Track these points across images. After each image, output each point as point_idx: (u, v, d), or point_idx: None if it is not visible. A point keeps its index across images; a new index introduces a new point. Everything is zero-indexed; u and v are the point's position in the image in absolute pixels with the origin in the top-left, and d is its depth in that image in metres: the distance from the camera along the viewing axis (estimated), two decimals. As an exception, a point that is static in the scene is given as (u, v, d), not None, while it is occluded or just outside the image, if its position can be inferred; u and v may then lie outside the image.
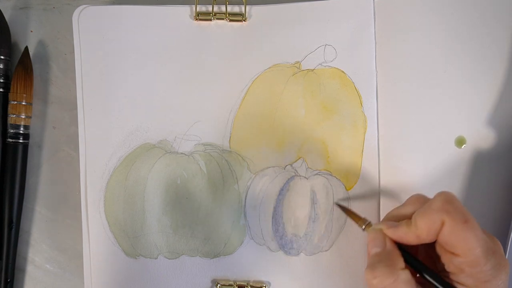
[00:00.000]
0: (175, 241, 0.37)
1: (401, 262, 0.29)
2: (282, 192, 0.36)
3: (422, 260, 0.30)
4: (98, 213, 0.37)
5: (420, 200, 0.31)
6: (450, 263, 0.28)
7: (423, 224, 0.28)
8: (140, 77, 0.37)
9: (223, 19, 0.37)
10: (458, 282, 0.28)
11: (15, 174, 0.38)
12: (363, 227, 0.32)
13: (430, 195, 0.30)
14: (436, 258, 0.29)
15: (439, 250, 0.29)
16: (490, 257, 0.27)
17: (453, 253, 0.27)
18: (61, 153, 0.40)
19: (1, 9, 0.39)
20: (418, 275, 0.30)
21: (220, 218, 0.37)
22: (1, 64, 0.38)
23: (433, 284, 0.28)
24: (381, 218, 0.36)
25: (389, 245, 0.30)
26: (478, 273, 0.27)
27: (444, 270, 0.29)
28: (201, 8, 0.37)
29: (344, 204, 0.36)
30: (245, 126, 0.37)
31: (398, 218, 0.31)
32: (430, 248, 0.30)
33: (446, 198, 0.28)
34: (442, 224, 0.27)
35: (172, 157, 0.37)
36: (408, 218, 0.30)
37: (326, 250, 0.36)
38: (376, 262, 0.29)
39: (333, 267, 0.36)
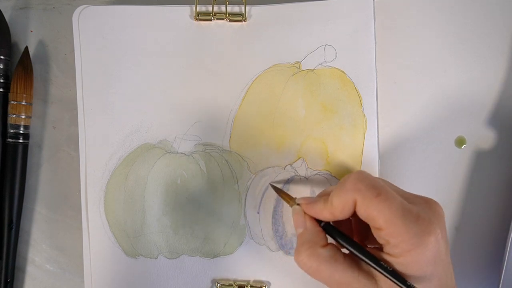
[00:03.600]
0: (175, 241, 0.37)
1: (322, 240, 0.29)
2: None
3: (369, 237, 0.31)
4: (98, 213, 0.37)
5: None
6: (378, 237, 0.28)
7: (337, 202, 0.29)
8: (140, 77, 0.37)
9: (223, 19, 0.37)
10: (387, 254, 0.28)
11: (15, 174, 0.38)
12: (292, 207, 0.32)
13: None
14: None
15: (370, 226, 0.29)
16: (411, 226, 0.27)
17: (376, 228, 0.28)
18: (61, 153, 0.40)
19: (1, 9, 0.39)
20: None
21: (220, 218, 0.37)
22: (1, 64, 0.38)
23: (354, 254, 0.29)
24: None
25: (309, 223, 0.30)
26: (400, 242, 0.27)
27: (377, 244, 0.29)
28: (201, 8, 0.37)
29: (277, 186, 0.36)
30: (245, 126, 0.37)
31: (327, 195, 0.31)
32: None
33: (357, 177, 0.29)
34: (355, 202, 0.28)
35: (172, 157, 0.37)
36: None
37: (326, 250, 0.36)
38: (300, 244, 0.30)
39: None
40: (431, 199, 0.30)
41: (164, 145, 0.37)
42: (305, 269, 0.29)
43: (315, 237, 0.30)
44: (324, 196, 0.31)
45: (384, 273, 0.27)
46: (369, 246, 0.31)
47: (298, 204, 0.32)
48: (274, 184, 0.36)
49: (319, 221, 0.31)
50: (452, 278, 0.29)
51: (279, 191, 0.35)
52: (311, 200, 0.31)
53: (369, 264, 0.28)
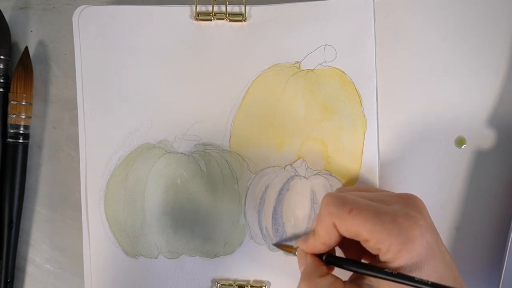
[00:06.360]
0: (175, 240, 0.37)
1: (320, 271, 0.30)
2: (282, 192, 0.36)
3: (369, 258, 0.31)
4: (98, 213, 0.37)
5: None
6: (370, 249, 0.28)
7: (321, 231, 0.30)
8: (140, 77, 0.37)
9: (223, 19, 0.37)
10: (385, 262, 0.28)
11: (15, 174, 0.38)
12: (296, 254, 0.33)
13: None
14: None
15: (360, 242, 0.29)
16: (391, 227, 0.27)
17: (364, 241, 0.28)
18: (61, 153, 0.40)
19: (1, 9, 0.39)
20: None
21: (220, 218, 0.37)
22: (1, 64, 0.38)
23: (359, 272, 0.29)
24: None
25: (309, 259, 0.31)
26: (389, 246, 0.27)
27: (376, 259, 0.29)
28: (201, 8, 0.37)
29: (278, 243, 0.37)
30: (245, 126, 0.37)
31: None
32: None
33: (326, 201, 0.29)
34: (335, 225, 0.28)
35: (172, 157, 0.37)
36: None
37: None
38: (300, 280, 0.30)
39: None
40: (408, 194, 0.30)
41: (164, 145, 0.37)
42: None
43: (313, 270, 0.30)
44: (313, 229, 0.31)
45: (390, 278, 0.27)
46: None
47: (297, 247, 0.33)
48: (274, 243, 0.37)
49: (321, 256, 0.31)
50: (452, 269, 0.28)
51: (282, 246, 0.36)
52: (305, 239, 0.32)
53: (377, 276, 0.28)
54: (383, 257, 0.27)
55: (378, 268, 0.28)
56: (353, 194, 0.31)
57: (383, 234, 0.27)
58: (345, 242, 0.31)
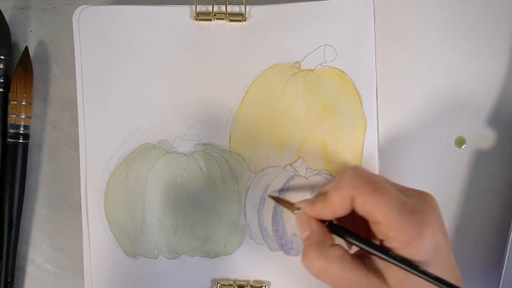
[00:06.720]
0: (175, 241, 0.37)
1: (329, 240, 0.29)
2: (282, 192, 0.36)
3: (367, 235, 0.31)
4: (98, 213, 0.37)
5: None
6: (377, 232, 0.28)
7: (336, 200, 0.29)
8: (140, 77, 0.37)
9: (223, 19, 0.37)
10: (388, 247, 0.27)
11: (15, 174, 0.38)
12: (295, 212, 0.32)
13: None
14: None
15: (369, 222, 0.29)
16: (408, 218, 0.26)
17: (375, 222, 0.28)
18: (61, 153, 0.40)
19: (1, 9, 0.39)
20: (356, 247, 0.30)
21: (220, 218, 0.37)
22: (1, 64, 0.38)
23: (365, 250, 0.28)
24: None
25: (315, 225, 0.30)
26: (399, 236, 0.26)
27: (378, 239, 0.29)
28: (201, 8, 0.37)
29: (275, 195, 0.36)
30: (245, 126, 0.37)
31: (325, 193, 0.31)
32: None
33: (352, 173, 0.28)
34: (353, 198, 0.28)
35: (172, 157, 0.37)
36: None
37: (326, 250, 0.36)
38: (307, 246, 0.29)
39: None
40: (424, 192, 0.30)
41: (164, 145, 0.37)
42: (313, 271, 0.29)
43: (322, 238, 0.29)
44: (322, 195, 0.31)
45: (396, 262, 0.27)
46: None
47: (299, 208, 0.31)
48: (272, 194, 0.36)
49: (322, 222, 0.30)
50: (455, 270, 0.28)
51: (278, 200, 0.35)
52: (311, 202, 0.31)
53: (379, 256, 0.27)
54: (387, 243, 0.27)
55: (383, 249, 0.27)
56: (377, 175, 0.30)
57: (399, 222, 0.26)
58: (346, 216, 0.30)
